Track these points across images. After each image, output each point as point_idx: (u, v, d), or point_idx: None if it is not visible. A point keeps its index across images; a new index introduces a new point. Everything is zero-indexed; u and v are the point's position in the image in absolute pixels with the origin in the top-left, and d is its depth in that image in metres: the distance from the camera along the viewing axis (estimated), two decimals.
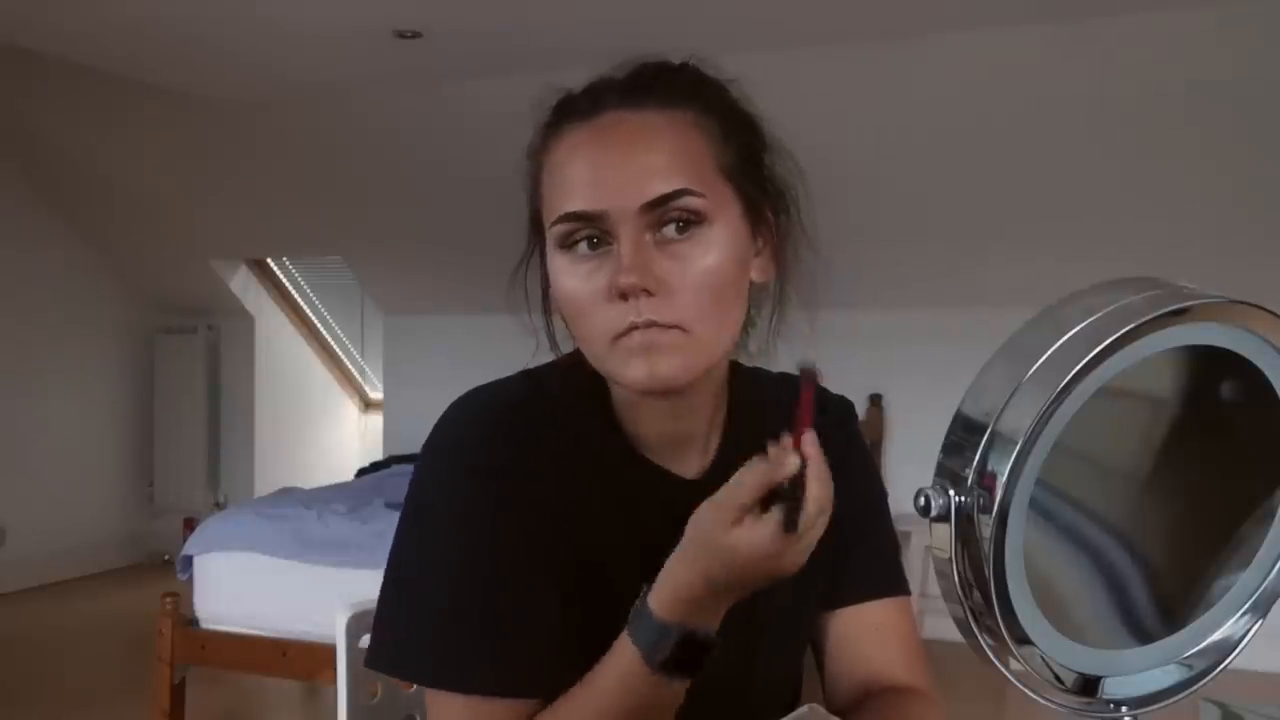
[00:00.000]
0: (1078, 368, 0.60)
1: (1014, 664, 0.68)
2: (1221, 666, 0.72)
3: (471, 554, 0.83)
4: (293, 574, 2.99)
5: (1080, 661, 0.69)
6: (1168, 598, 0.71)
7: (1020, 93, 3.48)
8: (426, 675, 0.83)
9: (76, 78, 4.01)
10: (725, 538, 0.72)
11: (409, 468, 0.93)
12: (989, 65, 3.39)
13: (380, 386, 5.94)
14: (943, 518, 0.64)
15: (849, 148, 3.75)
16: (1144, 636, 0.70)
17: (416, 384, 5.34)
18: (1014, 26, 3.21)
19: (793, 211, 0.88)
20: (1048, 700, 0.70)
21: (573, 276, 0.81)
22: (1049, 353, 0.62)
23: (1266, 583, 0.71)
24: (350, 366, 6.36)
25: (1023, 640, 0.66)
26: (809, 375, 0.72)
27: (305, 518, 3.12)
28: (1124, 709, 0.71)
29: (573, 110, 0.83)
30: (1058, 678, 0.69)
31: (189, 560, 3.12)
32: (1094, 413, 0.62)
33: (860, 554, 0.96)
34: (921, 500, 0.65)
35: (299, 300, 6.05)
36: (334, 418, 6.34)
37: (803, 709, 0.76)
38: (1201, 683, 0.72)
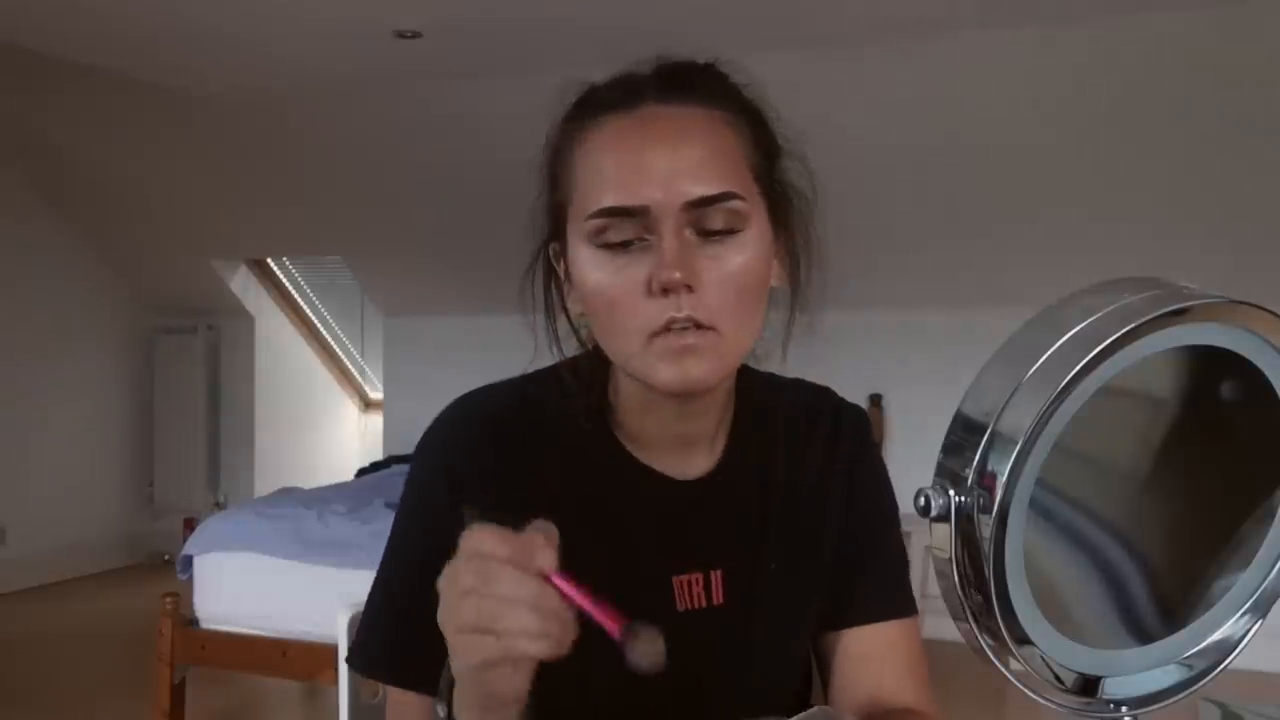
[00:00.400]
0: (1078, 368, 0.60)
1: (1014, 664, 0.68)
2: (1221, 666, 0.72)
3: (414, 550, 0.87)
4: (293, 574, 2.99)
5: (1080, 661, 0.69)
6: (1168, 598, 0.71)
7: (1020, 93, 3.48)
8: (358, 664, 0.90)
9: (77, 78, 4.01)
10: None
11: (408, 468, 0.94)
12: (988, 66, 3.39)
13: (380, 386, 5.94)
14: (943, 518, 0.64)
15: (849, 148, 3.75)
16: (1144, 636, 0.70)
17: (416, 384, 5.35)
18: (1015, 28, 3.21)
19: (806, 214, 0.88)
20: (1048, 700, 0.70)
21: (607, 271, 0.79)
22: (1049, 353, 0.62)
23: (1266, 583, 0.71)
24: (350, 367, 6.36)
25: (1023, 640, 0.66)
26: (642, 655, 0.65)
27: (305, 518, 3.12)
28: (1124, 709, 0.71)
29: (606, 101, 0.81)
30: (1058, 678, 0.69)
31: (189, 560, 3.12)
32: (1094, 413, 0.62)
33: (868, 574, 0.95)
34: (921, 500, 0.65)
35: (299, 300, 6.05)
36: (334, 418, 6.34)
37: (813, 710, 0.75)
38: (1202, 683, 0.72)
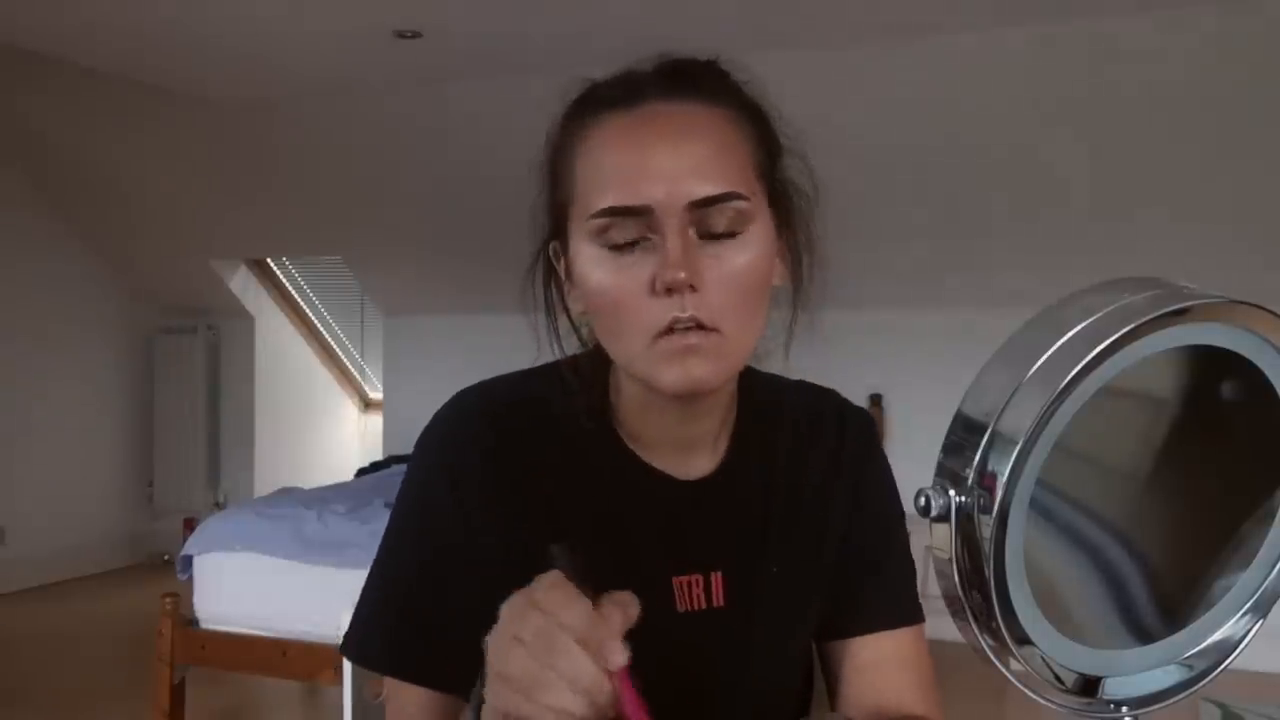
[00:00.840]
0: (1078, 368, 0.60)
1: (1014, 664, 0.68)
2: (1222, 667, 0.72)
3: (412, 547, 0.87)
4: (293, 574, 2.99)
5: (1080, 662, 0.69)
6: (1168, 598, 0.71)
7: (1021, 93, 3.48)
8: (353, 654, 0.90)
9: (78, 78, 4.01)
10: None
11: (408, 464, 0.94)
12: (988, 65, 3.39)
13: (380, 386, 5.94)
14: (943, 518, 0.64)
15: (849, 148, 3.75)
16: (1144, 637, 0.70)
17: (416, 384, 5.35)
18: (1017, 26, 3.21)
19: (807, 212, 0.88)
20: (1048, 700, 0.70)
21: (610, 270, 0.78)
22: (1049, 353, 0.62)
23: (1267, 583, 0.71)
24: (350, 366, 6.36)
25: (1023, 640, 0.66)
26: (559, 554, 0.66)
27: (305, 518, 3.12)
28: (1124, 709, 0.71)
29: (608, 99, 0.80)
30: (1058, 678, 0.69)
31: (189, 560, 3.12)
32: (1094, 413, 0.62)
33: (875, 581, 0.94)
34: (921, 500, 0.65)
35: (299, 300, 6.05)
36: (334, 418, 6.34)
37: (833, 715, 0.75)
38: (1202, 683, 0.72)
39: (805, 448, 0.95)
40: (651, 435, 0.89)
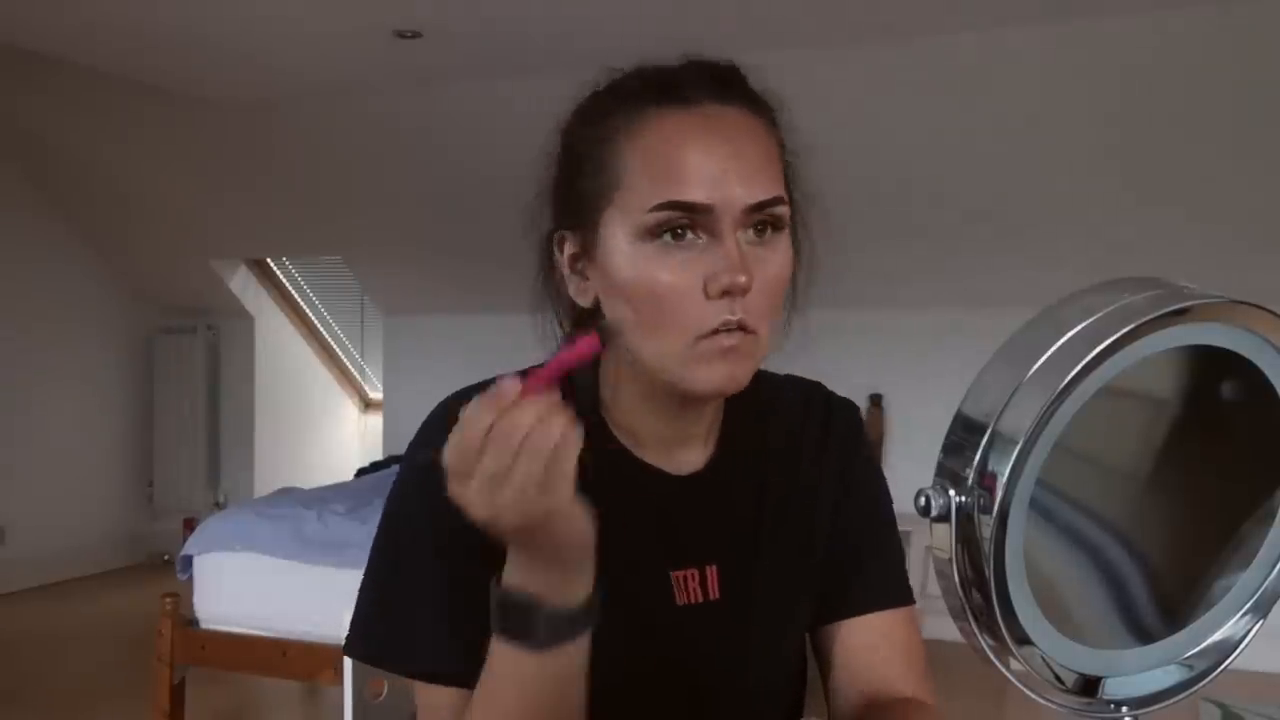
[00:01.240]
0: (1078, 368, 0.60)
1: (1014, 664, 0.68)
2: (1222, 667, 0.72)
3: (405, 543, 0.86)
4: (293, 574, 2.99)
5: (1081, 662, 0.69)
6: (1168, 598, 0.71)
7: (1021, 93, 3.48)
8: (359, 652, 0.88)
9: (77, 78, 4.01)
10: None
11: (401, 465, 0.94)
12: (988, 65, 3.39)
13: (380, 386, 5.94)
14: (943, 518, 0.64)
15: (849, 148, 3.75)
16: (1144, 637, 0.70)
17: (416, 384, 5.35)
18: (1019, 25, 3.21)
19: (808, 216, 0.89)
20: (1048, 700, 0.70)
21: (658, 266, 0.78)
22: (1049, 353, 0.62)
23: (1267, 583, 0.71)
24: (350, 366, 6.36)
25: (1023, 640, 0.66)
26: (601, 332, 0.68)
27: (305, 518, 3.12)
28: (1124, 709, 0.71)
29: (660, 95, 0.80)
30: (1058, 678, 0.69)
31: (189, 560, 3.12)
32: (1094, 413, 0.62)
33: (865, 564, 0.95)
34: (921, 500, 0.65)
35: (299, 300, 6.05)
36: (334, 418, 6.34)
37: None
38: (1202, 683, 0.72)
39: (794, 440, 0.96)
40: (646, 431, 0.89)
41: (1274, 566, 0.71)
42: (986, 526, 0.63)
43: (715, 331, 0.77)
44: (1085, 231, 3.86)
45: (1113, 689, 0.70)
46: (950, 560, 0.65)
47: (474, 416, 0.64)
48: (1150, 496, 0.70)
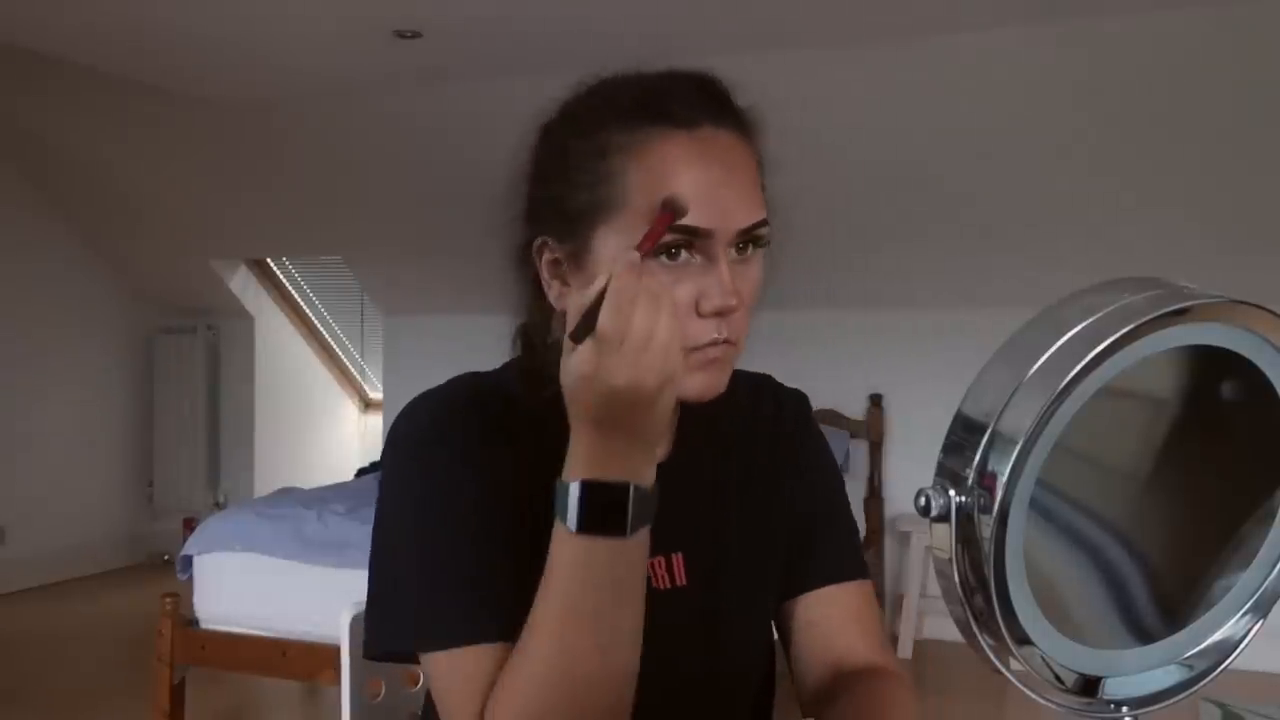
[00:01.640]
0: (1078, 368, 0.60)
1: (1014, 664, 0.68)
2: (1222, 667, 0.72)
3: (433, 521, 0.86)
4: (293, 574, 2.99)
5: (1081, 662, 0.69)
6: (1168, 598, 0.71)
7: (1020, 94, 3.48)
8: (410, 642, 0.86)
9: (76, 78, 4.01)
10: (564, 375, 0.73)
11: (391, 461, 0.94)
12: (987, 66, 3.39)
13: (380, 386, 5.94)
14: (943, 518, 0.64)
15: (849, 149, 3.75)
16: (1144, 637, 0.70)
17: (416, 384, 5.29)
18: (1019, 25, 3.21)
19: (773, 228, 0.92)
20: (1048, 700, 0.70)
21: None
22: (1049, 353, 0.62)
23: (1267, 583, 0.71)
24: (350, 366, 6.37)
25: (1023, 640, 0.66)
26: (669, 205, 0.76)
27: (305, 518, 3.11)
28: (1124, 709, 0.71)
29: (662, 114, 0.83)
30: (1058, 678, 0.69)
31: (189, 560, 3.12)
32: (1094, 413, 0.62)
33: (820, 541, 1.00)
34: (921, 500, 0.65)
35: (299, 300, 6.05)
36: (334, 418, 6.34)
37: None
38: (1202, 683, 0.72)
39: (748, 429, 1.01)
40: None
41: (1274, 566, 0.71)
42: (986, 526, 0.63)
43: (706, 346, 0.82)
44: (1085, 231, 3.86)
45: (1113, 689, 0.71)
46: (950, 560, 0.65)
47: (625, 284, 0.69)
48: (1150, 496, 0.70)
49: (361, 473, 4.69)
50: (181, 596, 3.02)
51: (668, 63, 0.89)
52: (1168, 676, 0.71)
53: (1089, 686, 0.70)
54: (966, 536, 0.64)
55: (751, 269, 0.85)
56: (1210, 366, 0.66)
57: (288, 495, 3.61)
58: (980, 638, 0.66)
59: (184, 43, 3.53)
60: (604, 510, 0.74)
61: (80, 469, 5.46)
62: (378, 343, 5.84)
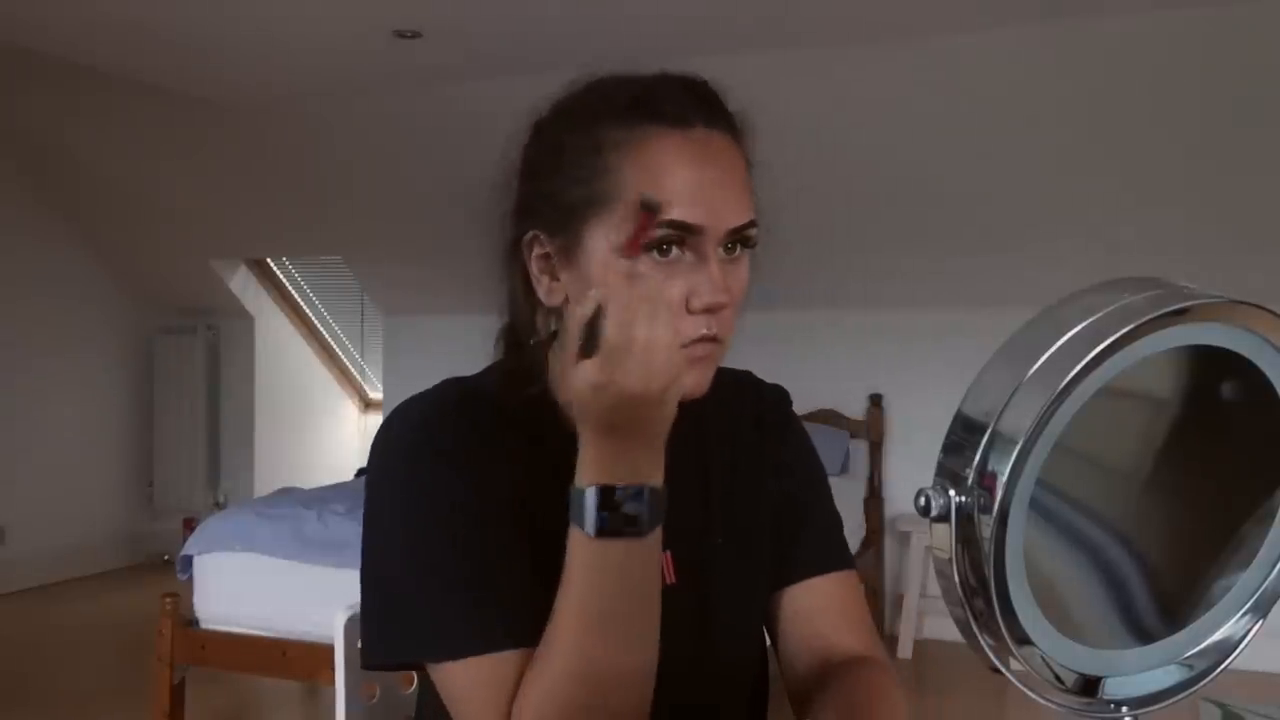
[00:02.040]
0: (1078, 368, 0.60)
1: (1014, 664, 0.68)
2: (1222, 667, 0.72)
3: (433, 528, 0.86)
4: (293, 574, 2.98)
5: (1081, 662, 0.69)
6: (1168, 598, 0.71)
7: (1021, 93, 3.48)
8: (422, 652, 0.85)
9: (76, 78, 4.01)
10: (574, 388, 0.74)
11: (381, 467, 0.94)
12: (987, 66, 3.39)
13: (380, 386, 5.94)
14: (943, 518, 0.64)
15: (849, 149, 3.75)
16: (1144, 637, 0.70)
17: (416, 384, 5.28)
18: (1019, 25, 3.21)
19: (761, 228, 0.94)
20: (1048, 700, 0.70)
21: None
22: (1049, 353, 0.62)
23: (1267, 583, 0.71)
24: (350, 366, 6.36)
25: (1023, 640, 0.66)
26: (647, 203, 0.78)
27: (305, 518, 3.11)
28: (1124, 709, 0.71)
29: (657, 113, 0.84)
30: (1058, 678, 0.69)
31: (189, 560, 3.12)
32: (1094, 413, 0.62)
33: (805, 532, 1.01)
34: (921, 500, 0.65)
35: (299, 300, 6.05)
36: (334, 418, 6.34)
37: None
38: (1202, 683, 0.72)
39: (731, 425, 1.02)
40: None
41: (1274, 566, 0.71)
42: (986, 526, 0.63)
43: (695, 343, 0.83)
44: (1085, 231, 3.85)
45: (1113, 689, 0.70)
46: (950, 560, 0.65)
47: (624, 294, 0.72)
48: (1150, 496, 0.70)
49: (361, 473, 4.68)
50: (181, 596, 3.02)
51: (667, 63, 0.89)
52: (1168, 676, 0.71)
53: (1089, 686, 0.70)
54: (966, 536, 0.64)
55: (739, 269, 0.86)
56: (1210, 366, 0.66)
57: (288, 495, 3.61)
58: (980, 638, 0.66)
59: (184, 43, 3.53)
60: (621, 513, 0.76)
61: (80, 469, 5.46)
62: (378, 343, 5.84)
